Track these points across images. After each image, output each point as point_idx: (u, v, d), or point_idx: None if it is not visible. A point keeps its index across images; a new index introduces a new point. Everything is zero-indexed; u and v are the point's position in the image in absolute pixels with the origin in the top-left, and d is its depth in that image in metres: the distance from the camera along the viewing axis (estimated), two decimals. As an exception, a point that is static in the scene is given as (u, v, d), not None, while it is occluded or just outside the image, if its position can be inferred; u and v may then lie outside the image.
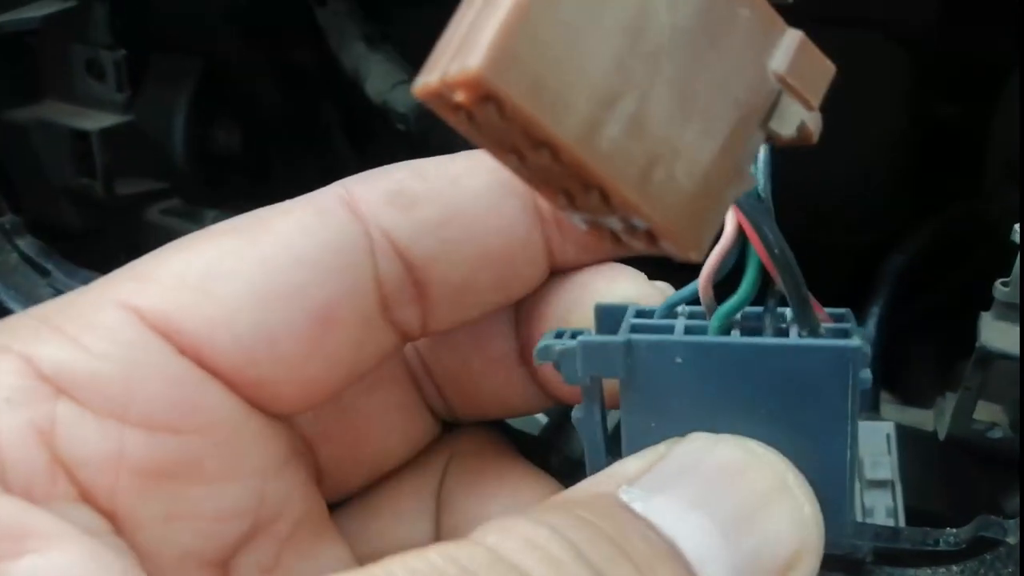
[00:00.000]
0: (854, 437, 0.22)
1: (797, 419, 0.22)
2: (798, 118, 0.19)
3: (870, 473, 0.36)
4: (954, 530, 0.28)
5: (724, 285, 0.23)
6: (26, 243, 0.44)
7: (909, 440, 0.37)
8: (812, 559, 0.21)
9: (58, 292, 0.40)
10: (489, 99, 0.16)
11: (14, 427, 0.21)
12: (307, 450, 0.27)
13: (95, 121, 0.46)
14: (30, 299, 0.40)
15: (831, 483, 0.23)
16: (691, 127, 0.18)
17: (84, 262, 0.42)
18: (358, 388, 0.27)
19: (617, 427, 0.24)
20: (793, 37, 0.19)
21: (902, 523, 0.37)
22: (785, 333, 0.23)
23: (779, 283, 0.22)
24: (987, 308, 0.34)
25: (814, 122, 0.20)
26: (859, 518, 0.36)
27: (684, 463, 0.22)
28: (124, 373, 0.22)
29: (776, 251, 0.22)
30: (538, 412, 0.31)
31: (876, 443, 0.36)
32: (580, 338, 0.23)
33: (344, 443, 0.28)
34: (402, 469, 0.29)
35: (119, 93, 0.46)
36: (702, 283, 0.23)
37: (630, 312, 0.25)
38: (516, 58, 0.16)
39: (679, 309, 0.24)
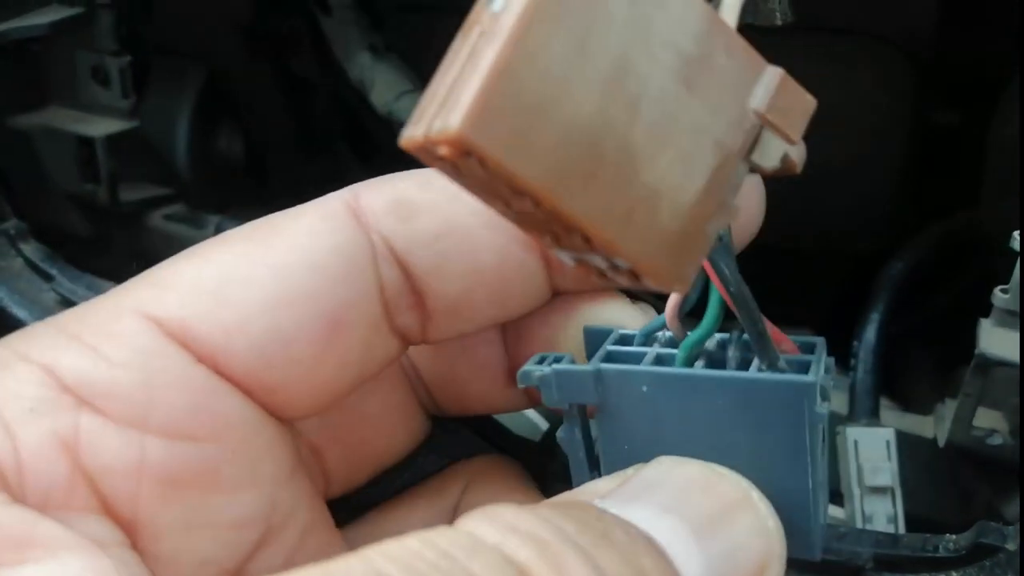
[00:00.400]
0: (815, 466, 0.23)
1: (757, 448, 0.23)
2: (781, 151, 0.20)
3: (870, 479, 0.36)
4: (954, 536, 0.28)
5: (697, 312, 0.24)
6: (31, 248, 0.44)
7: (909, 446, 0.37)
8: (778, 566, 0.22)
9: (62, 297, 0.40)
10: (471, 154, 0.17)
11: (37, 437, 0.22)
12: (312, 457, 0.28)
13: (100, 127, 0.46)
14: (34, 304, 0.40)
15: (795, 507, 0.23)
16: (672, 170, 0.19)
17: (88, 267, 0.42)
18: (360, 391, 0.27)
19: None
20: (773, 75, 0.19)
21: (902, 529, 0.37)
22: (749, 363, 0.24)
23: (738, 315, 0.23)
24: (986, 315, 0.34)
25: (797, 153, 0.20)
26: (859, 525, 0.37)
27: (652, 479, 0.23)
28: (144, 381, 0.23)
29: (732, 289, 0.23)
30: (523, 409, 0.32)
31: (876, 449, 0.37)
32: (555, 367, 0.24)
33: (348, 445, 0.28)
34: (419, 493, 0.29)
35: (124, 99, 0.46)
36: (668, 317, 0.24)
37: (611, 338, 0.26)
38: (496, 115, 0.17)
39: (658, 335, 0.25)
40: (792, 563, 0.28)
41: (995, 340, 0.33)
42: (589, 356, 0.26)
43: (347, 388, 0.26)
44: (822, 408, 0.23)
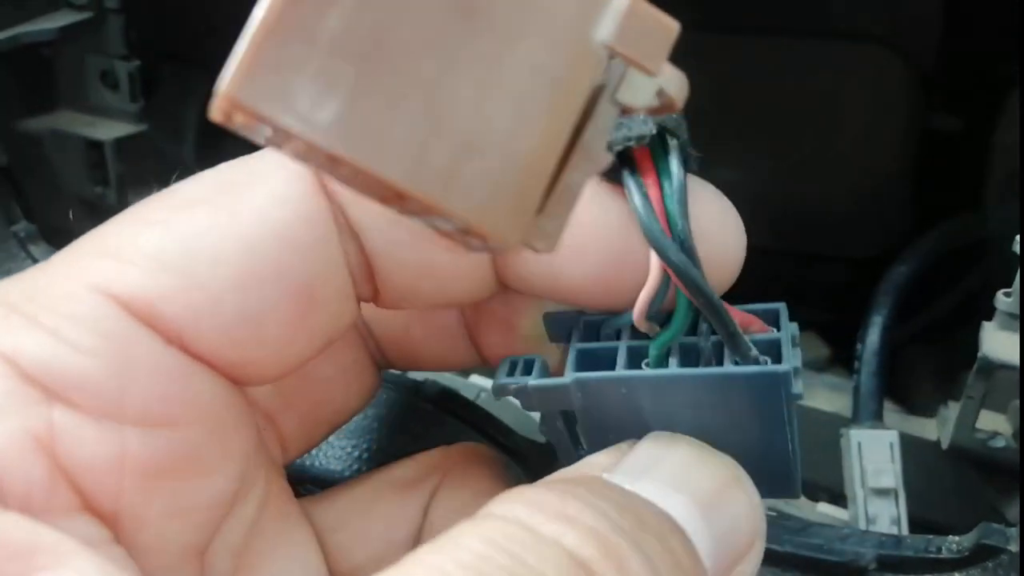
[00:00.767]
0: (792, 430, 0.24)
1: (739, 425, 0.24)
2: (651, 86, 0.18)
3: (873, 481, 0.36)
4: (956, 538, 0.29)
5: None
6: (40, 251, 0.44)
7: (912, 449, 0.37)
8: (762, 544, 0.23)
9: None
10: (256, 119, 0.15)
11: (9, 437, 0.20)
12: (268, 424, 0.27)
13: (109, 131, 0.46)
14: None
15: (776, 461, 0.25)
16: (501, 117, 0.17)
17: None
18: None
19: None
20: (621, 1, 0.17)
21: (905, 531, 0.37)
22: (722, 354, 0.24)
23: (707, 318, 0.24)
24: (989, 318, 0.34)
25: (675, 87, 0.18)
26: (863, 526, 0.37)
27: (650, 456, 0.23)
28: (115, 369, 0.21)
29: (699, 298, 0.23)
30: (474, 367, 0.32)
31: (880, 452, 0.37)
32: (531, 383, 0.25)
33: (302, 410, 0.27)
34: (396, 475, 0.29)
35: (133, 103, 0.46)
36: (636, 317, 0.24)
37: (576, 333, 0.26)
38: (270, 70, 0.15)
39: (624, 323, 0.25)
40: (797, 562, 0.29)
41: (998, 343, 0.33)
42: (553, 340, 0.27)
43: (314, 356, 0.25)
44: (797, 388, 0.23)
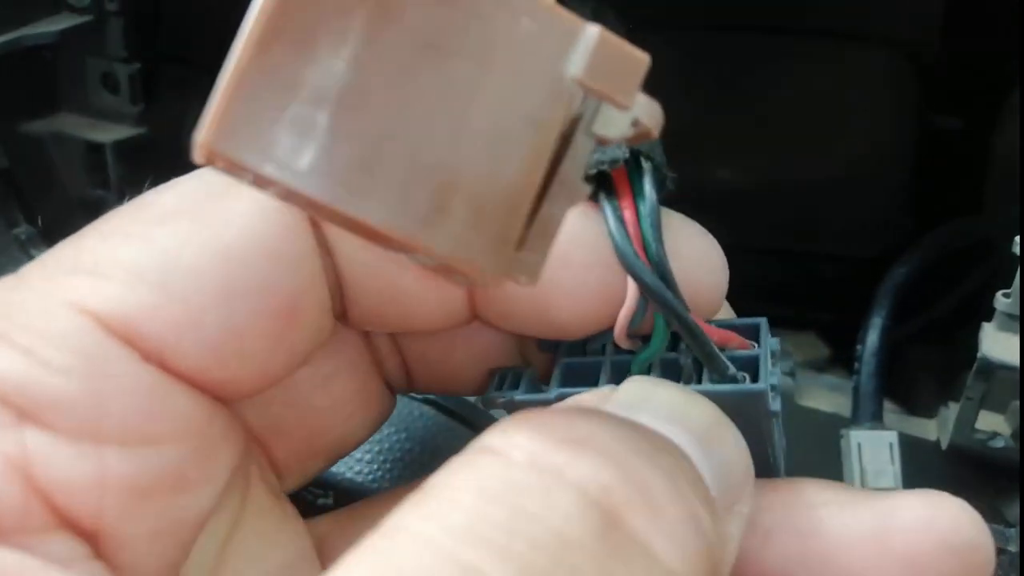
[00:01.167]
0: (774, 440, 0.25)
1: None
2: (627, 117, 0.18)
3: (873, 482, 0.36)
4: (956, 538, 0.29)
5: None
6: (41, 253, 0.45)
7: (912, 449, 0.37)
8: (752, 488, 0.22)
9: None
10: (233, 165, 0.16)
11: None
12: (260, 450, 0.26)
13: (109, 133, 0.46)
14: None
15: (759, 466, 0.24)
16: (477, 155, 0.17)
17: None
18: (312, 384, 0.26)
19: None
20: (591, 35, 0.17)
21: (905, 531, 0.37)
22: (701, 370, 0.24)
23: (683, 339, 0.24)
24: (989, 319, 0.34)
25: (650, 116, 0.18)
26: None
27: (639, 393, 0.22)
28: (91, 390, 0.20)
29: (675, 322, 0.23)
30: None
31: (879, 452, 0.37)
32: (518, 397, 0.25)
33: (299, 438, 0.27)
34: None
35: (133, 106, 0.46)
36: (617, 335, 0.25)
37: (563, 346, 0.26)
38: (244, 119, 0.15)
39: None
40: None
41: (997, 344, 0.33)
42: (543, 350, 0.27)
43: (294, 368, 0.24)
44: (775, 405, 0.24)
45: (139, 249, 0.21)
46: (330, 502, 0.36)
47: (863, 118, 0.56)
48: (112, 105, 0.47)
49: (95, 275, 0.21)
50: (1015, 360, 0.33)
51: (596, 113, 0.18)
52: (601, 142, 0.18)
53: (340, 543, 0.27)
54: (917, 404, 0.47)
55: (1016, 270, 0.33)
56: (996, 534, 0.32)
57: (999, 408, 0.35)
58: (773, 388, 0.23)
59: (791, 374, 0.44)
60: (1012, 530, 0.32)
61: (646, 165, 0.24)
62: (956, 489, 0.26)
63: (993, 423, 0.36)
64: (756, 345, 0.25)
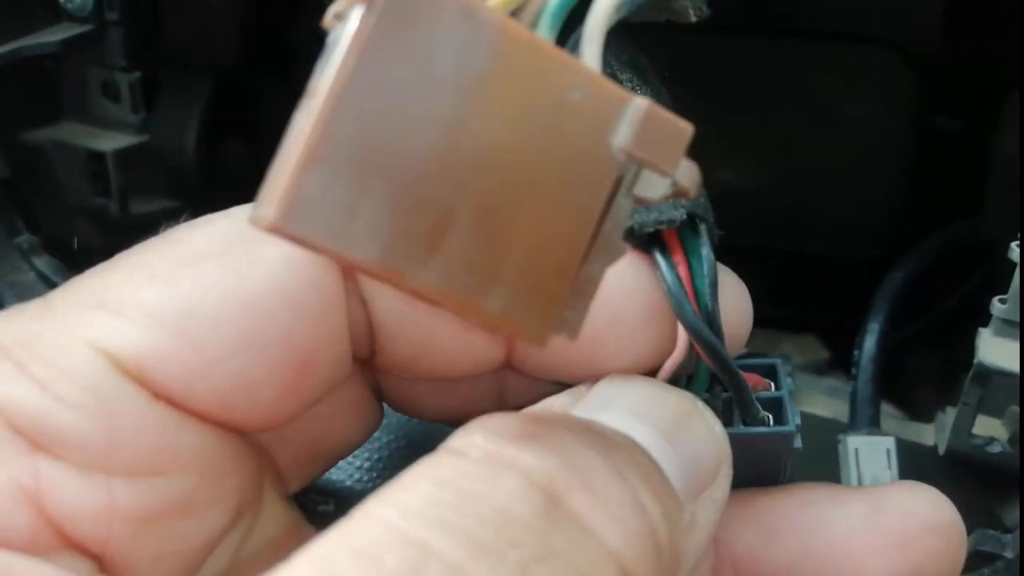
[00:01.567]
0: (785, 474, 0.27)
1: (739, 475, 0.25)
2: (668, 180, 0.19)
3: (871, 487, 0.37)
4: (951, 545, 0.29)
5: None
6: (43, 262, 0.45)
7: (909, 455, 0.37)
8: (728, 469, 0.23)
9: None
10: (298, 240, 0.16)
11: None
12: (265, 458, 0.27)
13: (111, 142, 0.46)
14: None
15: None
16: (531, 223, 0.18)
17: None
18: None
19: None
20: (637, 108, 0.18)
21: (903, 536, 0.37)
22: (729, 409, 0.26)
23: (729, 388, 0.26)
24: (986, 324, 0.34)
25: (688, 178, 0.19)
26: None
27: (609, 392, 0.23)
28: (102, 426, 0.21)
29: (724, 372, 0.25)
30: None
31: (877, 458, 0.37)
32: None
33: (300, 445, 0.27)
34: None
35: (134, 114, 0.46)
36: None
37: None
38: (312, 200, 0.16)
39: None
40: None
41: (994, 349, 0.33)
42: None
43: (305, 411, 0.25)
44: (798, 443, 0.26)
45: (162, 291, 0.22)
46: (331, 509, 0.36)
47: (863, 120, 0.56)
48: (113, 114, 0.47)
49: (117, 315, 0.22)
50: (1012, 366, 0.33)
51: (637, 176, 0.19)
52: (640, 203, 0.19)
53: None
54: (916, 407, 0.47)
55: (1012, 276, 0.33)
56: (993, 540, 0.32)
57: (996, 413, 0.36)
58: (797, 428, 0.26)
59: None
60: (1009, 536, 0.32)
61: (702, 227, 0.25)
62: (953, 494, 0.26)
63: (990, 428, 0.36)
64: (772, 385, 0.27)
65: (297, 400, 0.24)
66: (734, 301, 0.26)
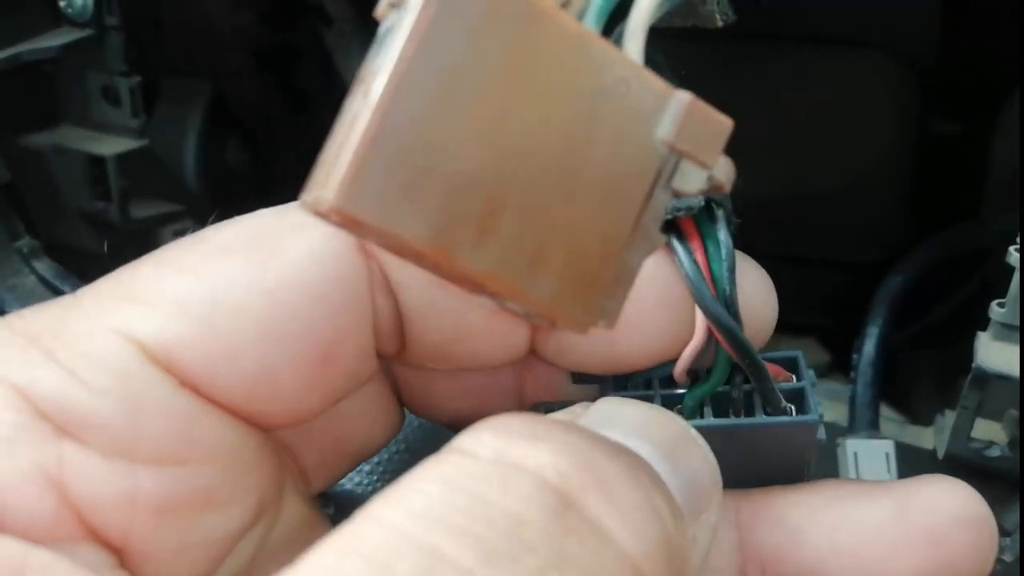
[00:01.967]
0: (809, 467, 0.27)
1: (763, 463, 0.25)
2: (703, 175, 0.19)
3: (870, 491, 0.37)
4: (951, 548, 0.29)
5: None
6: (44, 266, 0.45)
7: (908, 458, 0.37)
8: (720, 498, 0.23)
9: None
10: (354, 222, 0.16)
11: (18, 469, 0.21)
12: (289, 457, 0.27)
13: (111, 146, 0.46)
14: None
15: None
16: (575, 211, 0.18)
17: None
18: None
19: None
20: (680, 102, 0.19)
21: (902, 540, 0.37)
22: (750, 402, 0.26)
23: (749, 376, 0.25)
24: (984, 327, 0.34)
25: (724, 173, 0.20)
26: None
27: (606, 413, 0.23)
28: (127, 411, 0.21)
29: (743, 357, 0.25)
30: None
31: (876, 461, 0.37)
32: None
33: (324, 444, 0.28)
34: None
35: (134, 119, 0.46)
36: (676, 374, 0.26)
37: (607, 381, 0.27)
38: (371, 182, 0.16)
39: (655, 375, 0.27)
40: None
41: (992, 353, 0.34)
42: (576, 382, 0.28)
43: (329, 407, 0.25)
44: (821, 433, 0.26)
45: (189, 282, 0.23)
46: (331, 512, 0.36)
47: (862, 124, 0.56)
48: (113, 118, 0.47)
49: (143, 304, 0.22)
50: (1010, 370, 0.33)
51: (676, 169, 0.19)
52: (678, 195, 0.19)
53: None
54: (915, 410, 0.47)
55: (1010, 280, 0.33)
56: (992, 543, 0.32)
57: (995, 417, 0.36)
58: (820, 417, 0.25)
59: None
60: (1008, 539, 0.32)
61: (719, 212, 0.25)
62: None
63: (989, 432, 0.36)
64: (794, 377, 0.27)
65: (320, 394, 0.24)
66: (757, 290, 0.26)
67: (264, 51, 0.59)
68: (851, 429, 0.40)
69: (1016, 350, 0.33)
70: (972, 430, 0.35)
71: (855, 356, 0.42)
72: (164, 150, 0.52)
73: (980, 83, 0.55)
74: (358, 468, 0.36)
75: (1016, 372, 0.33)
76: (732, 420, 0.26)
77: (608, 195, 0.18)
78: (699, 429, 0.24)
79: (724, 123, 0.19)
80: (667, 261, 0.25)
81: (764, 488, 0.25)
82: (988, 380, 0.34)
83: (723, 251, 0.25)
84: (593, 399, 0.27)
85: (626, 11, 0.19)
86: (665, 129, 0.18)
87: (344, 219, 0.16)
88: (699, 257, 0.25)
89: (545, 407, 0.27)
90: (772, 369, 0.26)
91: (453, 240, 0.17)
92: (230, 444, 0.23)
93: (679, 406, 0.26)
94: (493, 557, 0.17)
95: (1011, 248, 0.33)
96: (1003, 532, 0.34)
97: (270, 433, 0.25)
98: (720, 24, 0.25)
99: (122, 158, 0.46)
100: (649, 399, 0.26)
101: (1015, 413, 0.35)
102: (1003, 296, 0.33)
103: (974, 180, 0.55)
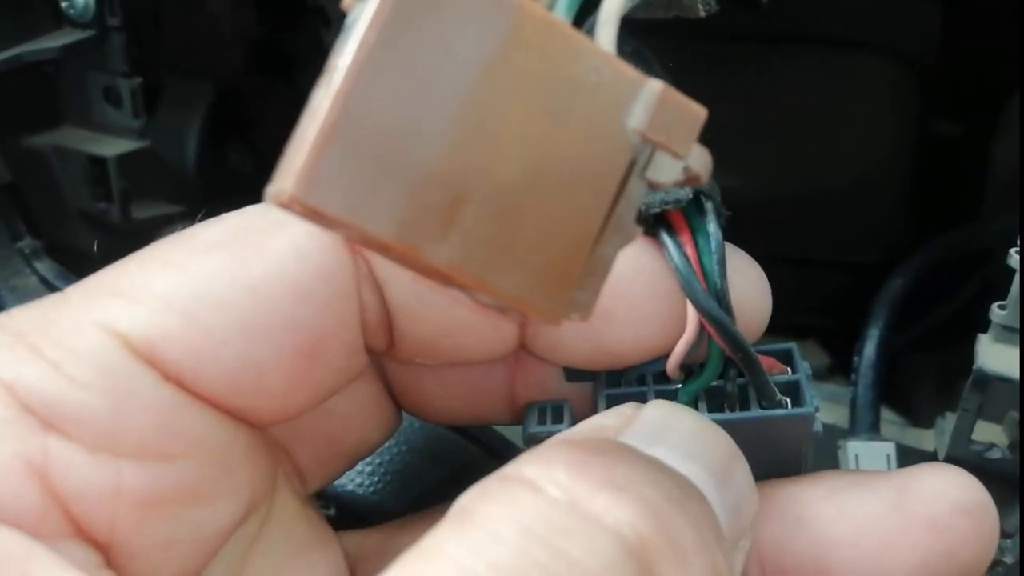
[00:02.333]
0: (806, 460, 0.27)
1: (761, 457, 0.24)
2: (680, 164, 0.19)
3: (871, 492, 0.37)
4: (951, 550, 0.29)
5: None
6: (45, 267, 0.45)
7: (909, 460, 0.37)
8: (756, 520, 0.23)
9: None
10: (314, 214, 0.16)
11: (3, 461, 0.21)
12: (283, 456, 0.27)
13: (112, 147, 0.46)
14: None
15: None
16: (544, 202, 0.18)
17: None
18: None
19: None
20: (652, 91, 0.18)
21: (903, 542, 0.37)
22: (745, 396, 0.26)
23: (742, 369, 0.25)
24: (985, 330, 0.34)
25: (700, 163, 0.19)
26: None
27: (659, 422, 0.23)
28: (111, 405, 0.22)
29: (735, 350, 0.25)
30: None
31: (877, 463, 0.37)
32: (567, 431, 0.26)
33: (319, 443, 0.28)
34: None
35: (135, 120, 0.46)
36: (670, 369, 0.26)
37: (600, 378, 0.27)
38: (331, 172, 0.16)
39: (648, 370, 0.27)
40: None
41: (993, 356, 0.34)
42: (570, 380, 0.28)
43: (318, 404, 0.25)
44: (817, 426, 0.25)
45: (173, 278, 0.23)
46: (332, 513, 0.36)
47: (863, 125, 0.56)
48: (114, 119, 0.47)
49: (129, 298, 0.22)
50: (1011, 372, 0.33)
51: (650, 159, 0.19)
52: (653, 186, 0.19)
53: (372, 562, 0.27)
54: (915, 412, 0.47)
55: (1011, 282, 0.33)
56: (992, 546, 0.32)
57: (996, 419, 0.36)
58: (816, 409, 0.25)
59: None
60: (1008, 541, 0.32)
61: (708, 205, 0.25)
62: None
63: (990, 434, 0.36)
64: (789, 370, 0.26)
65: (306, 389, 0.24)
66: (751, 283, 0.26)
67: (265, 52, 0.59)
68: (852, 431, 0.40)
69: (1016, 352, 0.33)
70: (973, 432, 0.35)
71: (856, 358, 0.42)
72: (165, 151, 0.52)
73: (980, 83, 0.55)
74: (359, 468, 0.36)
75: (1016, 374, 0.33)
76: (727, 415, 0.25)
77: (579, 185, 0.18)
78: None
79: (697, 112, 0.18)
80: (657, 254, 0.25)
81: (762, 481, 0.24)
82: (989, 382, 0.34)
83: (713, 244, 0.25)
84: (586, 396, 0.27)
85: (597, 3, 0.19)
86: (637, 118, 0.18)
87: (305, 210, 0.16)
88: (689, 250, 0.25)
89: (539, 407, 0.27)
90: (766, 362, 0.25)
91: (418, 232, 0.17)
92: (216, 439, 0.23)
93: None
94: None
95: (1012, 251, 0.33)
96: (1003, 534, 0.34)
97: (261, 430, 0.25)
98: (703, 14, 0.25)
99: (123, 159, 0.46)
100: (643, 395, 0.26)
101: (1016, 415, 0.35)
102: (1004, 298, 0.34)
103: (975, 180, 0.55)
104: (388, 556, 0.28)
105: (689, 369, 0.26)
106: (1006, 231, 0.36)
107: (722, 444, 0.23)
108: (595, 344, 0.26)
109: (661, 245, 0.25)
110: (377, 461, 0.37)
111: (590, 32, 0.19)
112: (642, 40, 0.25)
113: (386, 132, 0.16)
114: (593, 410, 0.26)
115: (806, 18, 0.55)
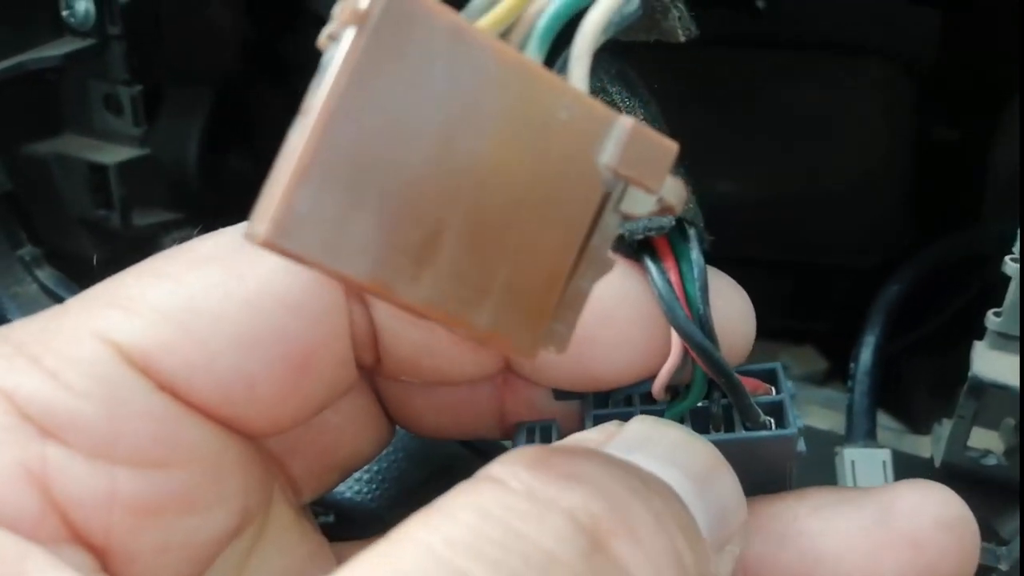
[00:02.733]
0: (791, 479, 0.27)
1: (746, 476, 0.24)
2: (651, 198, 0.19)
3: (868, 499, 0.37)
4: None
5: None
6: (45, 274, 0.45)
7: (905, 467, 0.37)
8: (746, 528, 0.23)
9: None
10: (291, 255, 0.16)
11: (2, 467, 0.21)
12: (277, 467, 0.28)
13: (112, 155, 0.46)
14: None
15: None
16: (518, 239, 0.18)
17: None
18: None
19: None
20: (622, 127, 0.18)
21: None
22: (730, 416, 0.26)
23: (726, 392, 0.25)
24: (981, 336, 0.34)
25: (674, 194, 0.19)
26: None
27: (641, 434, 0.23)
28: (107, 413, 0.22)
29: (718, 374, 0.25)
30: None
31: (873, 470, 0.37)
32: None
33: (312, 455, 0.28)
34: None
35: (136, 127, 0.47)
36: (655, 391, 0.26)
37: (587, 398, 0.27)
38: (305, 216, 0.16)
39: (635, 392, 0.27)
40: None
41: (988, 362, 0.34)
42: (558, 399, 0.28)
43: (310, 416, 0.26)
44: (801, 446, 0.26)
45: (169, 290, 0.23)
46: (331, 520, 0.37)
47: (861, 130, 0.57)
48: (115, 127, 0.47)
49: (125, 309, 0.23)
50: (1007, 379, 0.33)
51: (624, 192, 0.19)
52: (626, 218, 0.19)
53: None
54: (912, 418, 0.47)
55: (1007, 289, 0.33)
56: (988, 553, 0.32)
57: (991, 426, 0.36)
58: (800, 430, 0.26)
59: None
60: (1004, 548, 0.32)
61: (691, 231, 0.25)
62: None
63: (986, 440, 0.36)
64: (773, 390, 0.27)
65: (298, 401, 0.25)
66: (734, 307, 0.26)
67: (265, 59, 0.59)
68: (848, 438, 0.40)
69: (1012, 359, 0.33)
70: (969, 439, 0.35)
71: (852, 365, 0.42)
72: (166, 158, 0.52)
73: (980, 87, 0.55)
74: (358, 476, 0.37)
75: (1012, 381, 0.33)
76: (711, 436, 0.26)
77: (553, 220, 0.18)
78: None
79: (668, 147, 0.19)
80: (641, 280, 0.25)
81: (747, 498, 0.25)
82: (984, 389, 0.34)
83: (695, 271, 0.25)
84: (575, 414, 0.27)
85: (571, 36, 0.19)
86: (608, 155, 0.18)
87: (280, 252, 0.16)
88: (672, 276, 0.25)
89: (528, 427, 0.27)
90: (750, 383, 0.26)
91: (393, 272, 0.17)
92: (209, 448, 0.24)
93: None
94: None
95: (1006, 258, 0.33)
96: (999, 541, 0.34)
97: (255, 441, 0.26)
98: (682, 39, 0.25)
99: (124, 166, 0.46)
100: (630, 415, 0.26)
101: (1011, 422, 0.35)
102: (999, 305, 0.34)
103: (974, 183, 0.55)
104: None
105: (675, 390, 0.26)
106: (1003, 235, 0.36)
107: (704, 452, 0.23)
108: (580, 368, 0.26)
109: (645, 271, 0.25)
110: (375, 469, 0.37)
111: (563, 68, 0.19)
112: (643, 46, 0.26)
113: (360, 172, 0.16)
114: (581, 429, 0.26)
115: (806, 22, 0.55)
